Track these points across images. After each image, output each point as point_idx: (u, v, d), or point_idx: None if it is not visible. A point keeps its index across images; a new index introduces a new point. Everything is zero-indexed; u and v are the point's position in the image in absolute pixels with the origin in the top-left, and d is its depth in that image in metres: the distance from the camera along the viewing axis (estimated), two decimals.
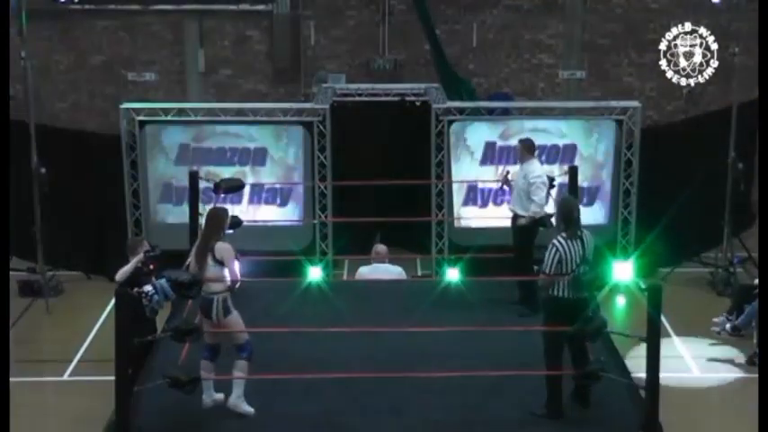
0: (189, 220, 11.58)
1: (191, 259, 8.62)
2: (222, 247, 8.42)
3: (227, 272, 8.40)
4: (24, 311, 13.77)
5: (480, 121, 14.55)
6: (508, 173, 11.46)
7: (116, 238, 13.26)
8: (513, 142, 12.89)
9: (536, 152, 11.40)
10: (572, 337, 8.34)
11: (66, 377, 12.10)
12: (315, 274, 13.21)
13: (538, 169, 11.01)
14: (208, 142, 14.42)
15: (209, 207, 11.29)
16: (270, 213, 14.44)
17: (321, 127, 14.21)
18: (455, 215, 14.63)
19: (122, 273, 9.80)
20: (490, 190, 14.34)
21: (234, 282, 8.44)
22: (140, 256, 9.93)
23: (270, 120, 14.41)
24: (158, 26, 17.71)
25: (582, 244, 8.45)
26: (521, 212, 10.95)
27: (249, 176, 14.13)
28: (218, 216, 8.71)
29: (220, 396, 8.56)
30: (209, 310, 8.37)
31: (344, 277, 14.34)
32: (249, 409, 8.45)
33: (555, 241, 8.43)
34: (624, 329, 10.41)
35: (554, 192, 12.81)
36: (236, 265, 8.54)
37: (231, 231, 10.46)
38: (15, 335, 12.09)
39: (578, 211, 8.74)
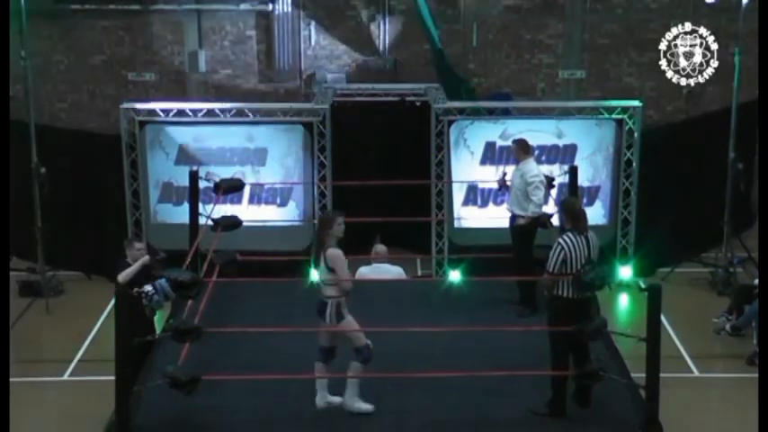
0: (189, 220, 11.60)
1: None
2: (333, 256, 8.40)
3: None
4: (24, 311, 13.75)
5: (480, 120, 14.54)
6: (505, 174, 11.44)
7: (116, 238, 13.24)
8: None
9: (534, 152, 11.38)
10: (573, 336, 8.34)
11: (66, 377, 12.07)
12: (315, 274, 13.17)
13: (535, 169, 10.99)
14: (208, 142, 14.41)
15: (208, 207, 11.40)
16: (270, 213, 14.43)
17: (321, 127, 14.20)
18: (455, 215, 14.62)
19: (125, 275, 9.84)
20: (490, 190, 14.32)
21: (345, 289, 8.44)
22: (145, 258, 9.95)
23: (270, 120, 14.41)
24: (158, 26, 17.70)
25: (587, 244, 8.45)
26: (519, 213, 10.94)
27: (249, 176, 14.13)
28: (321, 220, 8.94)
29: (336, 399, 8.57)
30: (323, 313, 8.45)
31: None
32: (365, 407, 8.47)
33: (561, 240, 8.44)
34: (624, 329, 10.41)
35: (554, 192, 12.84)
36: (345, 272, 8.47)
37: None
38: (15, 335, 12.07)
39: (581, 207, 8.76)
